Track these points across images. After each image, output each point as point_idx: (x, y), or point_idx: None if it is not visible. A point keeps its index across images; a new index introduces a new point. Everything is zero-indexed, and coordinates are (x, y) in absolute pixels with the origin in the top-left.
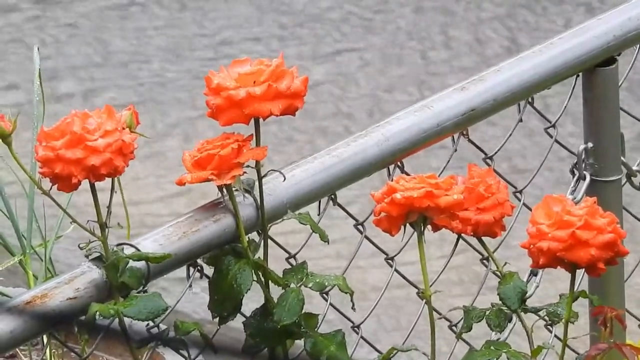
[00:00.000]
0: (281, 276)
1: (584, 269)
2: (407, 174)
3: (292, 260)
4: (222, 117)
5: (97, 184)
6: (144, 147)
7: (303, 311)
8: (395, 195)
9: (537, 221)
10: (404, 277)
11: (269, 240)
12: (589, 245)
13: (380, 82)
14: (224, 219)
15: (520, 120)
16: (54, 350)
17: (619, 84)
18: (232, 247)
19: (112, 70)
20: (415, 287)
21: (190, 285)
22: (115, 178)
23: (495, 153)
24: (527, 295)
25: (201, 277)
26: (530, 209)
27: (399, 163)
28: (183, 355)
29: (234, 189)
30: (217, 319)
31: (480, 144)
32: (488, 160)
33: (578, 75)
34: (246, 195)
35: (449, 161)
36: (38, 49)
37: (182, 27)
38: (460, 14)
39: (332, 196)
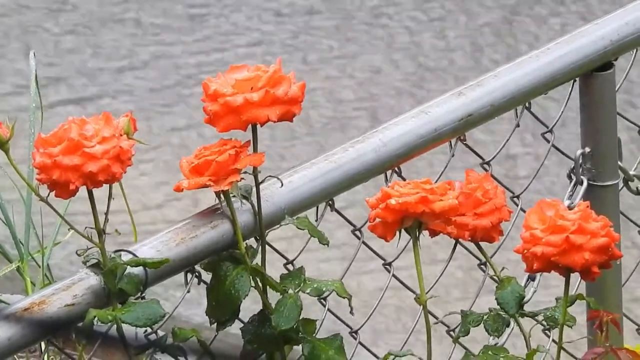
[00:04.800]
0: (279, 282)
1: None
2: (404, 179)
3: (289, 266)
4: (219, 124)
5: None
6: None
7: (301, 317)
8: (390, 201)
9: (530, 226)
10: (401, 283)
11: (267, 246)
12: (583, 250)
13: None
14: (221, 225)
15: (518, 126)
16: (51, 357)
17: (616, 88)
18: (230, 253)
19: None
20: (413, 292)
21: (188, 291)
22: (119, 184)
23: (493, 158)
24: (525, 299)
25: (199, 283)
26: None
27: (396, 168)
28: None
29: (231, 195)
30: (215, 325)
31: (478, 149)
32: (485, 166)
33: (575, 80)
34: (244, 201)
35: (446, 167)
36: (34, 54)
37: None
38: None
39: (330, 202)
